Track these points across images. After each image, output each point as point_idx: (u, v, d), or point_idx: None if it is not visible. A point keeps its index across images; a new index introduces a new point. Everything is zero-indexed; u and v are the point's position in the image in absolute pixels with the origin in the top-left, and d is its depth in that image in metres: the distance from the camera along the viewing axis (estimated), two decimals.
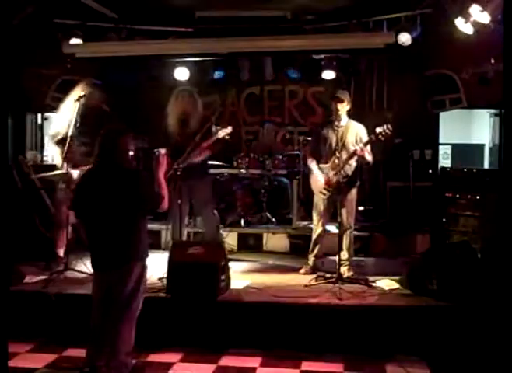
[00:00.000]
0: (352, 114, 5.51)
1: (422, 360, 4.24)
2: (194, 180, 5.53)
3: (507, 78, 3.42)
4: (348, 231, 5.38)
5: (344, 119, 5.33)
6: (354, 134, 5.29)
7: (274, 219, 7.20)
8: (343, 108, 5.32)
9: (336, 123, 5.30)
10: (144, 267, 3.66)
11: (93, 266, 3.64)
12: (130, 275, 3.51)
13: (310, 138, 6.32)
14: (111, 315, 3.52)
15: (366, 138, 5.24)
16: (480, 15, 5.29)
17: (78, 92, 5.42)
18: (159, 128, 5.86)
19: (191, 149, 5.36)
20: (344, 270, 5.25)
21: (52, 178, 5.62)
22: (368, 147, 5.21)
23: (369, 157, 5.25)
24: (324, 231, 5.51)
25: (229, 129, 5.59)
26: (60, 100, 7.18)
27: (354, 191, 5.41)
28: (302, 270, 5.59)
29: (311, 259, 5.56)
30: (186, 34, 6.95)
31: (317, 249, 5.53)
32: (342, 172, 5.17)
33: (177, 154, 5.30)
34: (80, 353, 3.91)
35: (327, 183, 5.29)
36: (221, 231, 6.11)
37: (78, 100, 5.33)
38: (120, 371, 3.59)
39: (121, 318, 3.55)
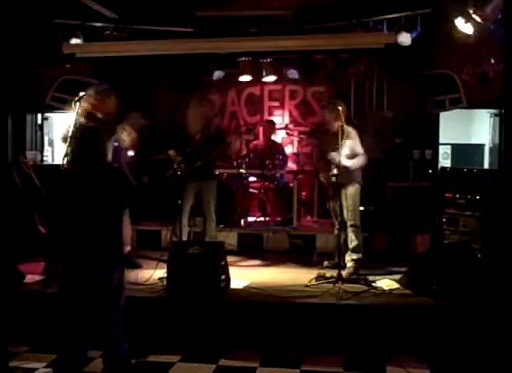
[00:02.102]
0: (352, 114, 5.55)
1: (422, 360, 4.24)
2: (203, 181, 5.71)
3: (507, 78, 3.42)
4: (350, 230, 5.40)
5: (337, 124, 5.44)
6: (345, 138, 5.38)
7: (274, 219, 7.21)
8: (337, 116, 5.42)
9: (331, 129, 5.48)
10: (123, 266, 3.60)
11: (73, 268, 3.41)
12: (115, 274, 3.43)
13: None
14: (101, 319, 3.46)
15: (351, 143, 5.36)
16: (479, 15, 5.29)
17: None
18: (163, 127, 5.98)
19: (204, 153, 5.63)
20: (349, 268, 5.35)
21: None
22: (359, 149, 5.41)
23: (347, 162, 5.35)
24: (340, 227, 5.55)
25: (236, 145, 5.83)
26: (60, 100, 7.23)
27: (352, 189, 5.44)
28: (325, 263, 5.73)
29: (336, 254, 5.60)
30: (186, 34, 6.95)
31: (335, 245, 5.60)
32: (334, 172, 5.32)
33: (192, 155, 5.54)
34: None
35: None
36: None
37: (78, 100, 5.32)
38: (118, 371, 3.57)
39: (111, 320, 3.48)
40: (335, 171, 5.31)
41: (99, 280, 3.37)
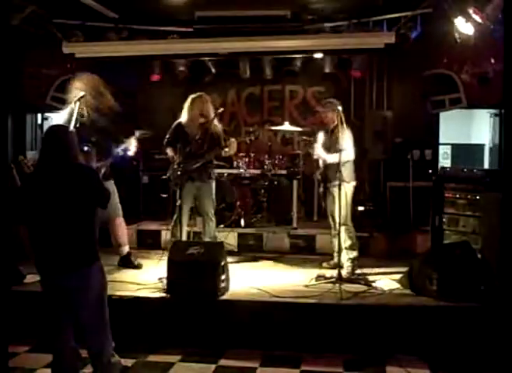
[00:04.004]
0: (352, 114, 5.56)
1: (422, 360, 4.24)
2: (201, 182, 5.70)
3: (507, 78, 3.42)
4: (342, 229, 5.40)
5: (332, 123, 5.52)
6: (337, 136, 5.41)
7: (274, 219, 7.21)
8: (333, 114, 5.51)
9: (328, 127, 5.61)
10: (102, 267, 3.58)
11: (45, 269, 3.38)
12: (92, 274, 3.39)
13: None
14: (83, 319, 3.43)
15: (339, 140, 5.38)
16: (479, 15, 5.29)
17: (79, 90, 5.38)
18: (163, 127, 6.00)
19: (203, 154, 5.63)
20: (348, 267, 5.36)
21: None
22: (345, 144, 5.43)
23: (324, 155, 5.55)
24: (336, 227, 5.55)
25: (232, 150, 5.93)
26: (60, 100, 7.23)
27: (342, 188, 5.33)
28: (324, 264, 5.78)
29: (335, 255, 5.62)
30: (186, 34, 6.95)
31: (335, 245, 5.59)
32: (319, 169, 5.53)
33: (191, 156, 5.55)
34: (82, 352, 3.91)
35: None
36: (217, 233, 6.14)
37: (78, 100, 5.32)
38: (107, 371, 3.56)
39: (94, 320, 3.45)
40: (320, 168, 5.50)
41: (75, 280, 3.33)
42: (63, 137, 3.46)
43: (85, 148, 4.84)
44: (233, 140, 5.90)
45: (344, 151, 5.32)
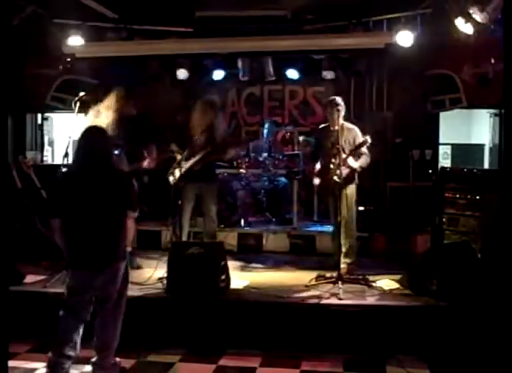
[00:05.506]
0: (352, 114, 5.55)
1: (422, 360, 4.24)
2: (203, 183, 5.69)
3: (507, 78, 3.42)
4: (346, 233, 5.40)
5: (339, 122, 5.44)
6: (347, 136, 5.37)
7: (274, 219, 7.21)
8: (338, 113, 5.43)
9: (331, 127, 5.48)
10: (127, 265, 3.69)
11: (78, 266, 3.53)
12: (119, 274, 3.52)
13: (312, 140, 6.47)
14: (104, 316, 3.52)
15: (358, 140, 5.34)
16: (479, 15, 5.29)
17: (110, 100, 5.36)
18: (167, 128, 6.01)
19: (204, 156, 5.60)
20: (343, 269, 5.29)
21: None
22: (363, 148, 5.36)
23: (354, 164, 5.39)
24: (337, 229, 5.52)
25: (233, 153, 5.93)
26: (60, 100, 7.24)
27: (351, 189, 5.46)
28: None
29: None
30: (186, 34, 6.95)
31: (333, 246, 5.60)
32: (338, 172, 5.24)
33: (191, 156, 5.57)
34: (82, 352, 3.91)
35: (323, 184, 5.54)
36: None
37: (78, 100, 5.32)
38: (110, 371, 3.61)
39: (113, 318, 3.55)
40: (338, 172, 5.25)
41: (106, 275, 3.43)
42: (105, 140, 3.53)
43: (116, 152, 4.85)
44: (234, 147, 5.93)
45: (365, 156, 5.40)
